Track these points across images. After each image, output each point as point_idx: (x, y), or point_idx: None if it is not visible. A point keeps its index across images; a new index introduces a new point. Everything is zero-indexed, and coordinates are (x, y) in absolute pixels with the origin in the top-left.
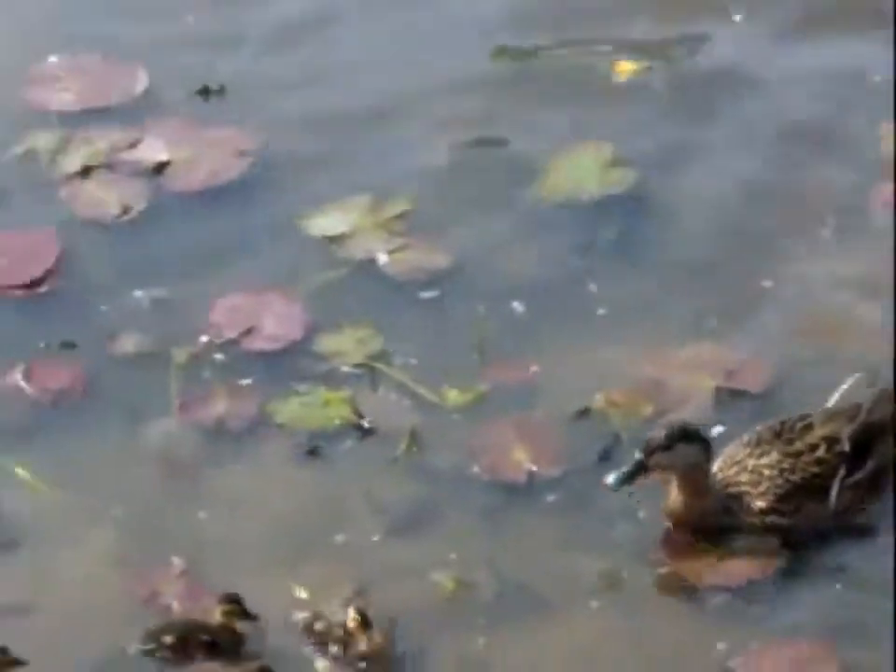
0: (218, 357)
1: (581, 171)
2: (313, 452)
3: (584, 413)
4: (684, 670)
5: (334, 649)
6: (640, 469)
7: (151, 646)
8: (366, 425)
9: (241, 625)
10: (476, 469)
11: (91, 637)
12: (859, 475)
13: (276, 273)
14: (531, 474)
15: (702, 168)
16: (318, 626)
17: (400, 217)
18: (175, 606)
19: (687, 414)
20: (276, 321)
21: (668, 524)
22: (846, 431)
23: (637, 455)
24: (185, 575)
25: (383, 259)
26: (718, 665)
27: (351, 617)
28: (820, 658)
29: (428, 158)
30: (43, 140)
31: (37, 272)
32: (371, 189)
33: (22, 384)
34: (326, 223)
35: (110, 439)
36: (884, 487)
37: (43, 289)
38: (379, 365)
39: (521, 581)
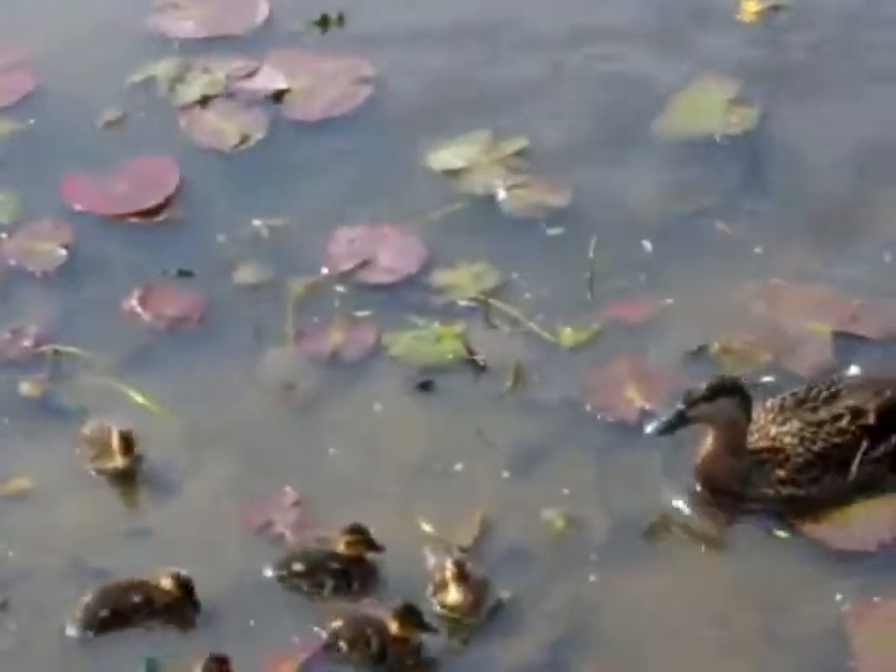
0: (335, 288)
1: (705, 108)
2: (425, 386)
3: (699, 352)
4: (796, 616)
5: (429, 589)
6: (681, 419)
7: (282, 572)
8: (479, 361)
9: (369, 556)
10: (588, 406)
11: (209, 563)
12: (882, 449)
13: (394, 205)
14: (643, 412)
15: (829, 108)
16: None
17: (520, 153)
18: (288, 535)
19: (805, 362)
20: (393, 254)
21: (696, 478)
22: (872, 403)
23: (679, 406)
24: (298, 505)
25: (502, 195)
26: (832, 614)
27: (448, 567)
28: None
29: (549, 93)
30: (163, 68)
31: (157, 199)
32: (492, 124)
33: (139, 309)
34: (445, 157)
35: (226, 367)
36: None
37: (161, 217)
38: (494, 301)
39: (632, 518)
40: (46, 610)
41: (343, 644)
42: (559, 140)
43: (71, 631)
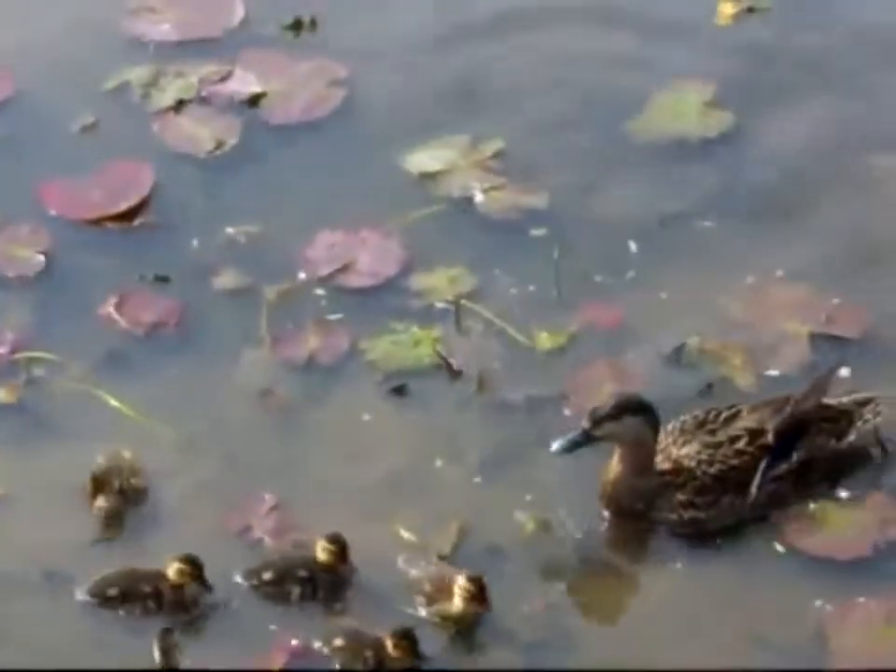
0: (313, 293)
1: (682, 111)
2: (399, 390)
3: (676, 353)
4: (778, 621)
5: (420, 599)
6: (587, 437)
7: (253, 581)
8: (454, 366)
9: (341, 568)
10: (566, 410)
11: None
12: (784, 467)
13: (372, 208)
14: None
15: (803, 110)
16: (414, 573)
17: (497, 155)
18: (267, 540)
19: (781, 362)
20: (372, 258)
21: (600, 498)
22: (771, 423)
23: (584, 424)
24: (276, 509)
25: (479, 197)
26: (813, 620)
27: (463, 586)
28: None
29: (526, 95)
30: (137, 73)
31: (131, 204)
32: (469, 126)
33: (115, 315)
34: (423, 160)
35: (204, 372)
36: (813, 481)
37: (137, 222)
38: (470, 304)
39: (606, 525)
40: (13, 617)
41: (340, 661)
42: (536, 142)
43: (79, 594)
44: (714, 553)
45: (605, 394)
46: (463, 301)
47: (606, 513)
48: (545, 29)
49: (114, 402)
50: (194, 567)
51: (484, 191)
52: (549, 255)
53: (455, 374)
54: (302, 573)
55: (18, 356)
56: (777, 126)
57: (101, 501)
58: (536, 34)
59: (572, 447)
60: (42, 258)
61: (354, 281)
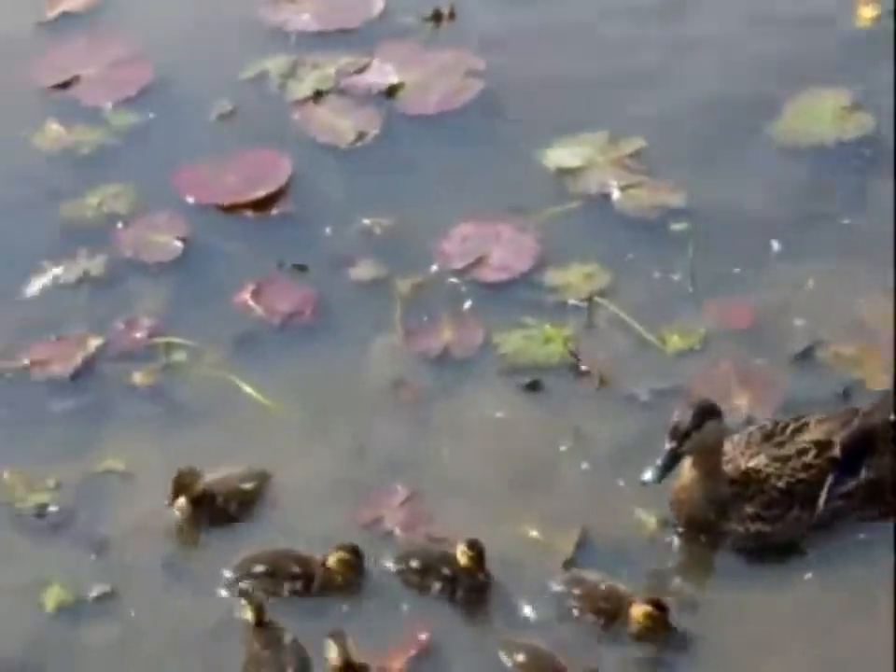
0: (447, 285)
1: (820, 113)
2: (533, 386)
3: (808, 355)
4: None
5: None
6: (675, 457)
7: (400, 566)
8: (583, 366)
9: (479, 573)
10: None
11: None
12: (851, 484)
13: (508, 202)
14: (749, 419)
15: None
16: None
17: (636, 154)
18: (397, 532)
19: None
20: (506, 252)
21: (671, 506)
22: (838, 435)
23: (669, 444)
24: (408, 502)
25: (616, 195)
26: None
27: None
28: None
29: (665, 93)
30: (275, 62)
31: (269, 191)
32: (608, 123)
33: (252, 303)
34: (561, 155)
35: (338, 362)
36: (880, 498)
37: (274, 211)
38: (603, 302)
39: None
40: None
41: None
42: (675, 140)
43: (227, 573)
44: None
45: (736, 398)
46: (596, 299)
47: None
48: (684, 23)
49: (248, 389)
50: (356, 556)
51: (622, 189)
52: (685, 253)
53: (584, 373)
54: (446, 571)
55: (155, 340)
56: None
57: (180, 503)
58: (672, 31)
59: (664, 472)
60: (179, 244)
61: (487, 275)
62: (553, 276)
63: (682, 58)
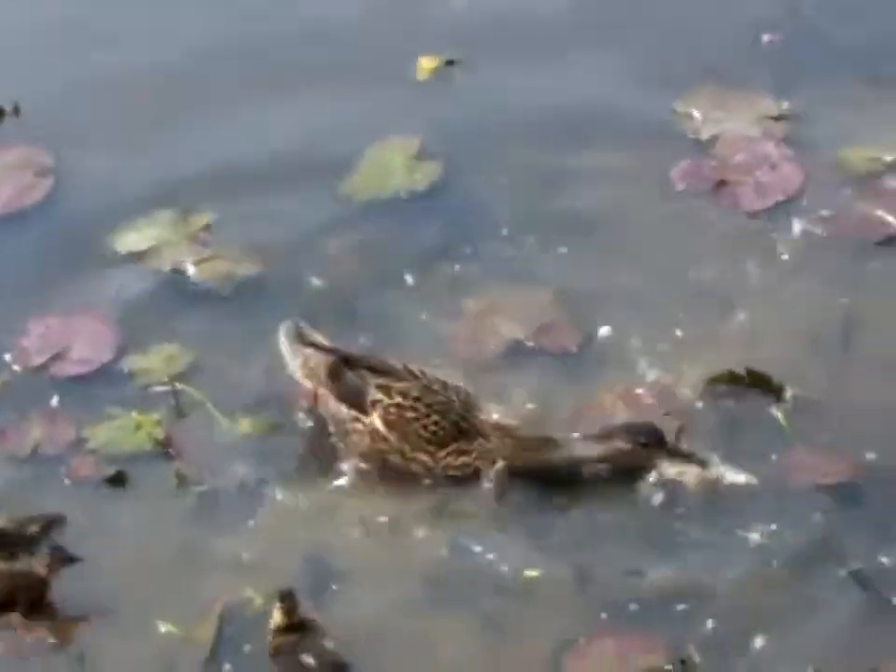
0: (31, 382)
1: (390, 167)
2: (116, 479)
3: None
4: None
5: None
6: None
7: None
8: (171, 451)
9: None
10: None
11: None
12: None
13: (85, 293)
14: None
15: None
16: None
17: (206, 227)
18: None
19: None
20: (86, 343)
21: None
22: None
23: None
24: None
25: (191, 270)
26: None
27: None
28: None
29: (233, 164)
30: None
31: None
32: (175, 202)
33: None
34: (132, 239)
35: None
36: None
37: None
38: (182, 386)
39: None
40: None
41: None
42: (247, 212)
43: None
44: None
45: None
46: (175, 384)
47: None
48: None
49: None
50: None
51: (196, 264)
52: (266, 322)
53: (173, 459)
54: None
55: None
56: (485, 174)
57: None
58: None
59: None
60: None
61: (69, 369)
62: (134, 362)
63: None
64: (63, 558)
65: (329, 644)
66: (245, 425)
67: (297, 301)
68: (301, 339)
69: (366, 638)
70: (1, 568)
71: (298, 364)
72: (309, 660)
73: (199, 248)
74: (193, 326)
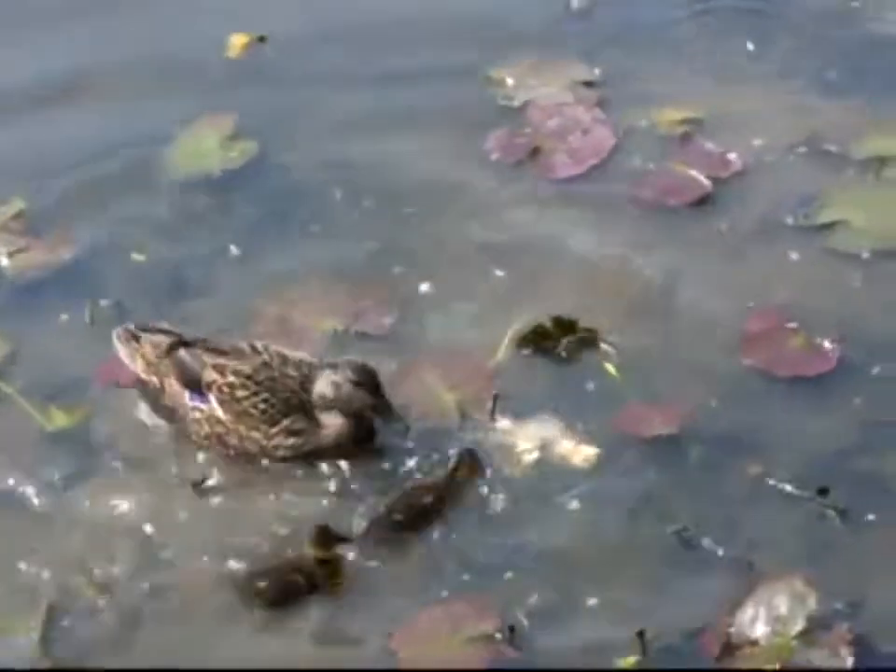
0: None
1: (205, 147)
2: None
3: None
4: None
5: None
6: None
7: None
8: None
9: None
10: None
11: None
12: None
13: None
14: None
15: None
16: None
17: (18, 216)
18: None
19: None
20: None
21: None
22: None
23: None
24: None
25: (4, 261)
26: None
27: None
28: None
29: (45, 151)
30: None
31: None
32: None
33: None
34: None
35: None
36: None
37: None
38: None
39: None
40: None
41: None
42: (57, 198)
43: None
44: None
45: None
46: None
47: None
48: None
49: None
50: None
51: (9, 255)
52: (75, 311)
53: None
54: None
55: None
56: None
57: None
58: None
59: None
60: None
61: None
62: None
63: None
64: None
65: None
66: (59, 417)
67: (118, 282)
68: (131, 337)
69: None
70: None
71: (138, 365)
72: None
73: (11, 238)
74: (8, 317)
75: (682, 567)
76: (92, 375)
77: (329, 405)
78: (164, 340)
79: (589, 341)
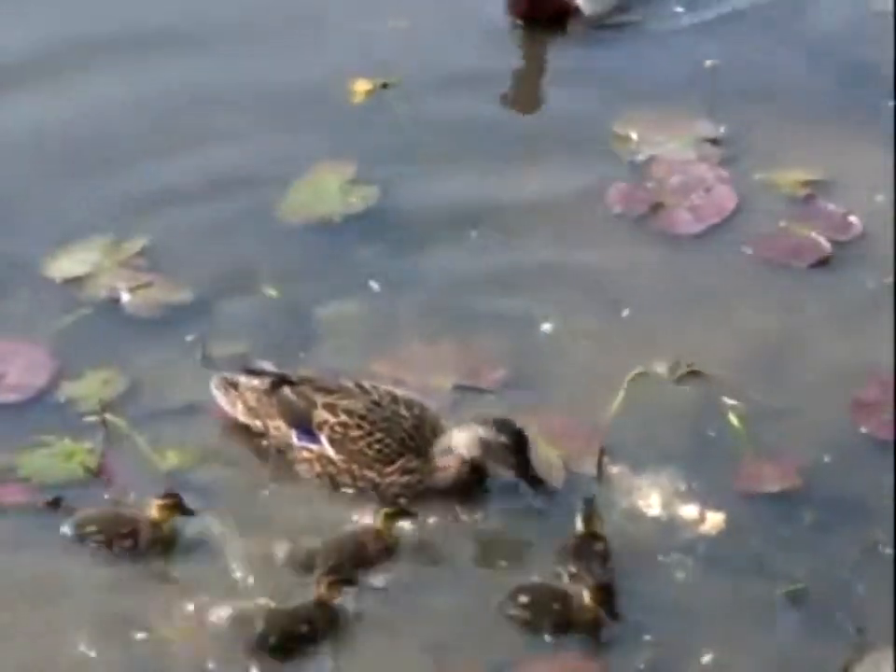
0: None
1: (325, 191)
2: (54, 504)
3: None
4: None
5: None
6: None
7: None
8: (105, 480)
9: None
10: None
11: None
12: None
13: (19, 320)
14: None
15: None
16: None
17: (141, 253)
18: None
19: None
20: (20, 370)
21: None
22: None
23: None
24: None
25: (125, 297)
26: None
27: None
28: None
29: (168, 189)
30: None
31: None
32: (109, 227)
33: None
34: (65, 265)
35: None
36: None
37: None
38: (110, 417)
39: None
40: None
41: None
42: (179, 235)
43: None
44: None
45: None
46: (106, 414)
47: None
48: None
49: None
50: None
51: (130, 291)
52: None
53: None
54: None
55: None
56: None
57: None
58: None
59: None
60: None
61: (3, 396)
62: (69, 389)
63: (175, 150)
64: None
65: None
66: (173, 456)
67: (236, 321)
68: (229, 385)
69: None
70: None
71: (238, 411)
72: None
73: (133, 274)
74: (128, 353)
75: (791, 629)
76: (208, 413)
77: (476, 460)
78: (265, 381)
79: (707, 392)
